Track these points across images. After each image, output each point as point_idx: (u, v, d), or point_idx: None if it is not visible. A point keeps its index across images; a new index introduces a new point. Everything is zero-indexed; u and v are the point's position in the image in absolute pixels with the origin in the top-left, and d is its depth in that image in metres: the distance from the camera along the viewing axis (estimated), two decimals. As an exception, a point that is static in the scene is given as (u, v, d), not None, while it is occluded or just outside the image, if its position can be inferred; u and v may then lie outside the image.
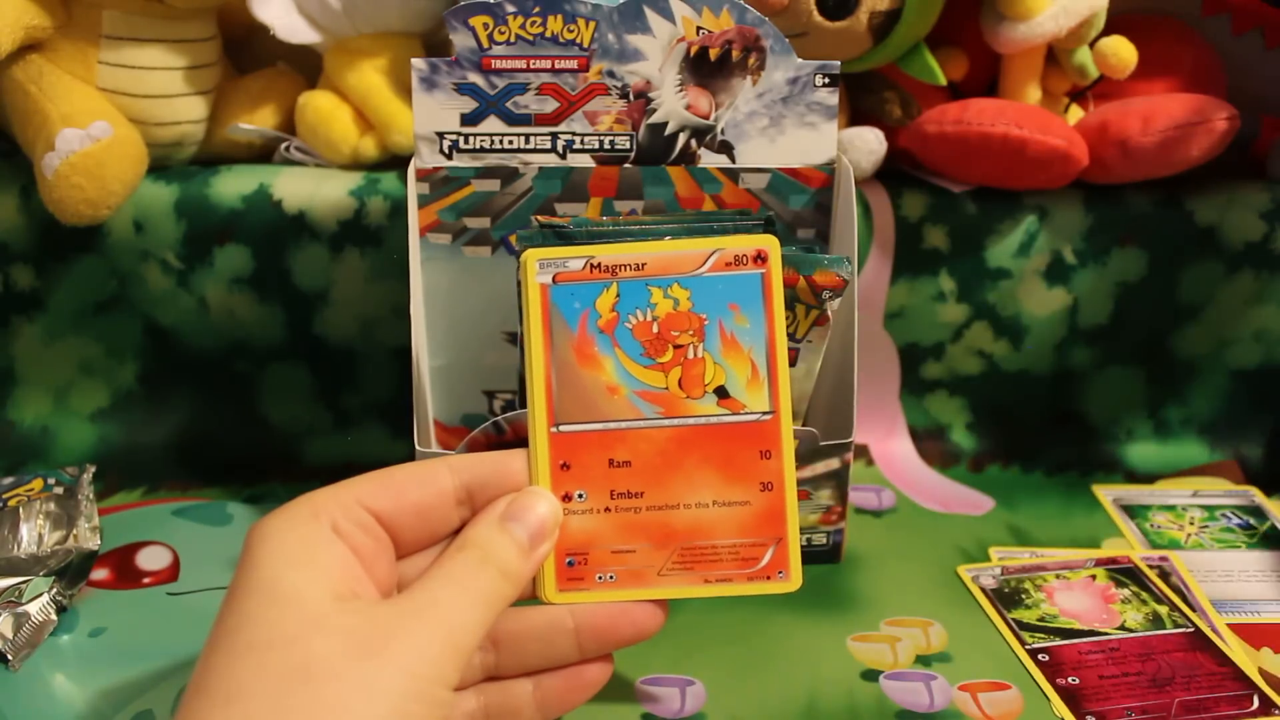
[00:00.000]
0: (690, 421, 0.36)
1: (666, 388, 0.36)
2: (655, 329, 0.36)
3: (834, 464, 0.45)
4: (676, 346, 0.36)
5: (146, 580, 0.48)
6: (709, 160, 0.48)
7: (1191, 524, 0.53)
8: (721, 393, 0.36)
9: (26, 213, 0.54)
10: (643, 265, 0.36)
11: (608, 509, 0.36)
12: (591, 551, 0.36)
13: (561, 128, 0.48)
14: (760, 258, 0.37)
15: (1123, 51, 0.55)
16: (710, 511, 0.36)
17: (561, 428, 0.36)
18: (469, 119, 0.47)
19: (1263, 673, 0.42)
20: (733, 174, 0.49)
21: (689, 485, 0.36)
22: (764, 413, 0.36)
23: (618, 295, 0.36)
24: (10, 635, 0.43)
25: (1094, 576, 0.48)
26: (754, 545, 0.36)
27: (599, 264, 0.36)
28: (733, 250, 0.37)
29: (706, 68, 0.47)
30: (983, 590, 0.48)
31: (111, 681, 0.42)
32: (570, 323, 0.36)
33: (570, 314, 0.36)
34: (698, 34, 0.47)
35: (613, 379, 0.36)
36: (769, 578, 0.36)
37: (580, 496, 0.36)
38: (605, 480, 0.36)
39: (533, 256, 0.36)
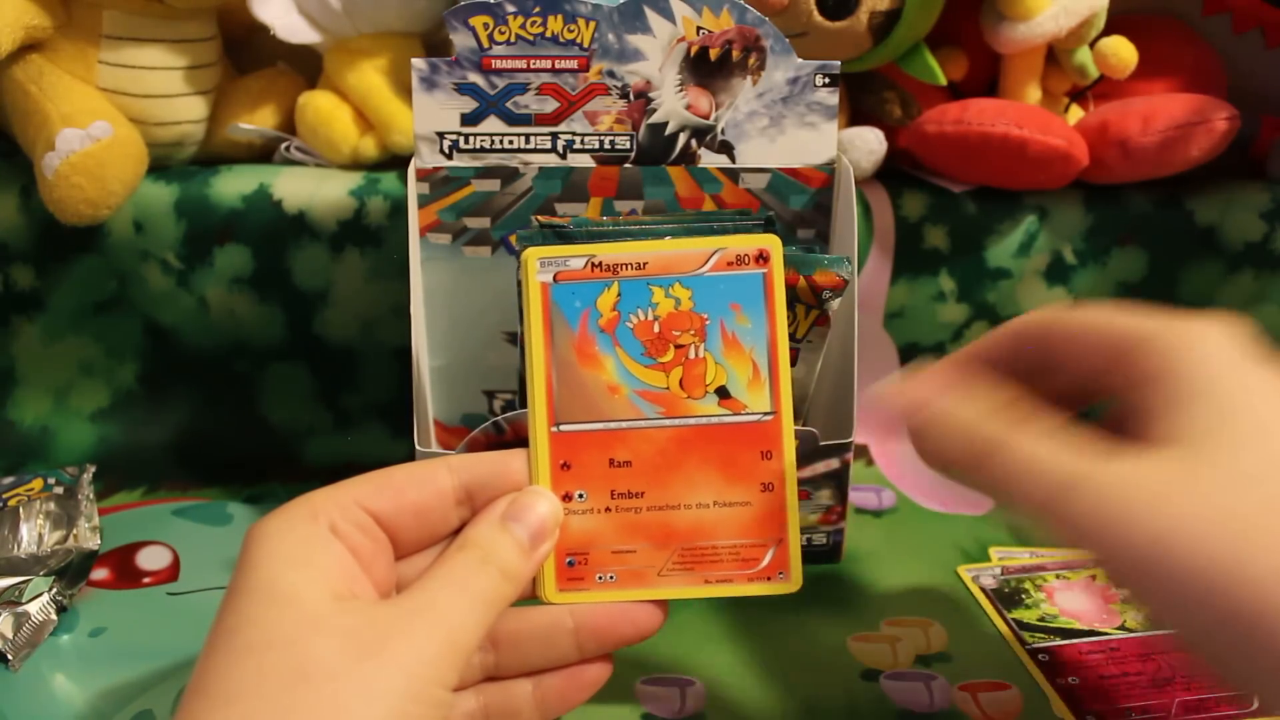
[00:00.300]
0: (691, 422, 0.36)
1: (667, 387, 0.36)
2: (656, 328, 0.36)
3: (834, 464, 0.45)
4: (678, 346, 0.36)
5: (146, 580, 0.48)
6: (709, 160, 0.48)
7: (1192, 524, 0.53)
8: (723, 393, 0.36)
9: (26, 213, 0.54)
10: (644, 264, 0.36)
11: (608, 509, 0.36)
12: (591, 551, 0.36)
13: (561, 128, 0.48)
14: (762, 257, 0.37)
15: (1123, 51, 0.55)
16: (711, 512, 0.36)
17: (562, 427, 0.36)
18: (469, 119, 0.47)
19: (1263, 673, 0.42)
20: (733, 174, 0.49)
21: (689, 485, 0.36)
22: (765, 413, 0.36)
23: (619, 294, 0.36)
24: (10, 635, 0.43)
25: (1094, 576, 0.48)
26: (754, 546, 0.36)
27: (600, 263, 0.36)
28: (735, 250, 0.37)
29: (706, 68, 0.47)
30: (983, 590, 0.48)
31: (111, 681, 0.42)
32: (571, 322, 0.36)
33: (571, 313, 0.36)
34: (698, 34, 0.47)
35: (613, 378, 0.36)
36: (769, 578, 0.36)
37: (580, 496, 0.36)
38: (606, 480, 0.36)
39: (533, 255, 0.36)
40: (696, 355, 0.36)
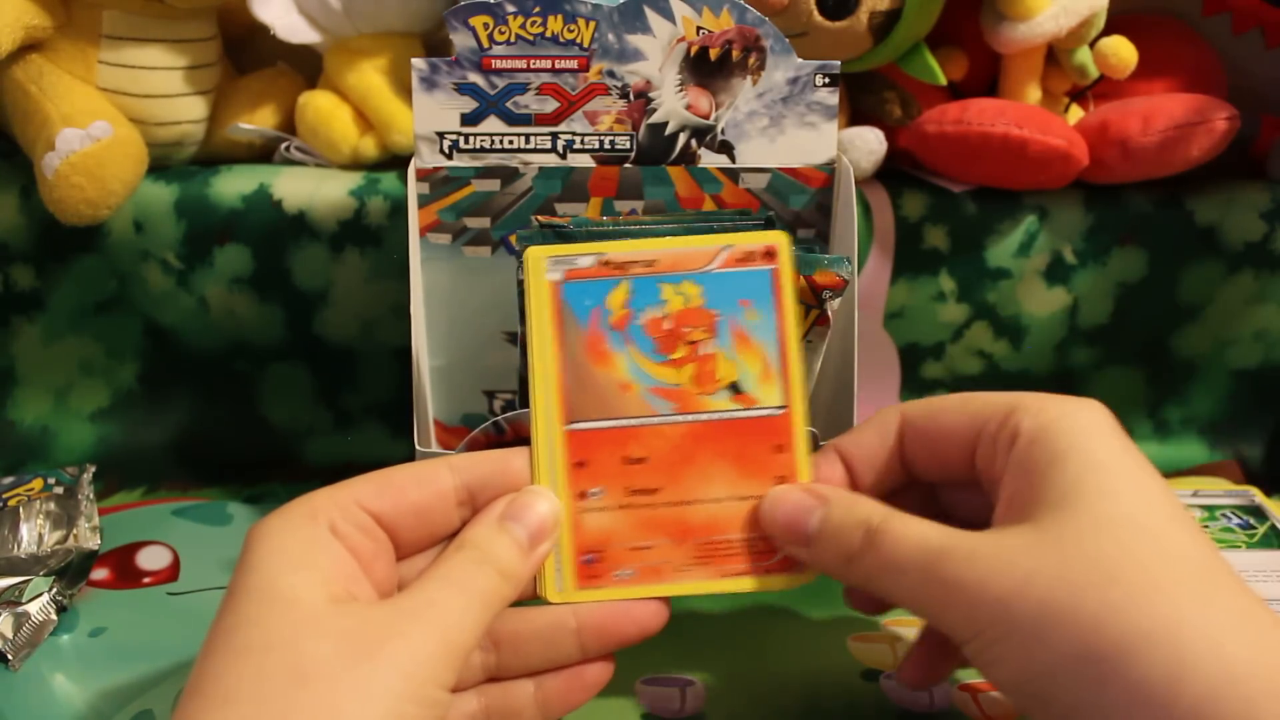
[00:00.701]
0: (704, 417, 0.36)
1: (680, 384, 0.36)
2: (668, 325, 0.36)
3: (835, 463, 0.45)
4: (689, 343, 0.36)
5: (146, 580, 0.48)
6: (709, 160, 0.48)
7: (1192, 524, 0.53)
8: (735, 388, 0.36)
9: (26, 213, 0.54)
10: (653, 262, 0.36)
11: (624, 506, 0.36)
12: (609, 548, 0.36)
13: (562, 128, 0.48)
14: (770, 254, 0.37)
15: (1123, 51, 0.55)
16: (726, 506, 0.36)
17: (575, 425, 0.36)
18: (469, 119, 0.47)
19: (1263, 672, 0.42)
20: (733, 174, 0.49)
21: (704, 480, 0.36)
22: (777, 407, 0.36)
23: (629, 292, 0.36)
24: (10, 635, 0.43)
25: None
26: (770, 538, 0.36)
27: (609, 261, 0.36)
28: (743, 247, 0.37)
29: (706, 68, 0.47)
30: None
31: (111, 681, 0.42)
32: (581, 320, 0.36)
33: (581, 311, 0.36)
34: (698, 34, 0.47)
35: (626, 376, 0.36)
36: (785, 570, 0.36)
37: (596, 494, 0.36)
38: (621, 477, 0.36)
39: (542, 253, 0.36)
40: (708, 351, 0.36)
